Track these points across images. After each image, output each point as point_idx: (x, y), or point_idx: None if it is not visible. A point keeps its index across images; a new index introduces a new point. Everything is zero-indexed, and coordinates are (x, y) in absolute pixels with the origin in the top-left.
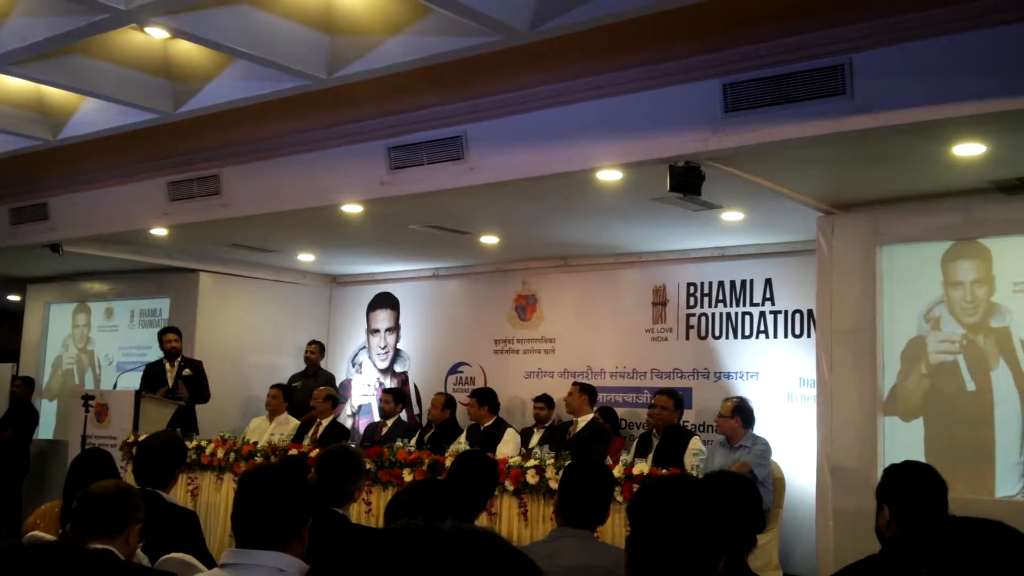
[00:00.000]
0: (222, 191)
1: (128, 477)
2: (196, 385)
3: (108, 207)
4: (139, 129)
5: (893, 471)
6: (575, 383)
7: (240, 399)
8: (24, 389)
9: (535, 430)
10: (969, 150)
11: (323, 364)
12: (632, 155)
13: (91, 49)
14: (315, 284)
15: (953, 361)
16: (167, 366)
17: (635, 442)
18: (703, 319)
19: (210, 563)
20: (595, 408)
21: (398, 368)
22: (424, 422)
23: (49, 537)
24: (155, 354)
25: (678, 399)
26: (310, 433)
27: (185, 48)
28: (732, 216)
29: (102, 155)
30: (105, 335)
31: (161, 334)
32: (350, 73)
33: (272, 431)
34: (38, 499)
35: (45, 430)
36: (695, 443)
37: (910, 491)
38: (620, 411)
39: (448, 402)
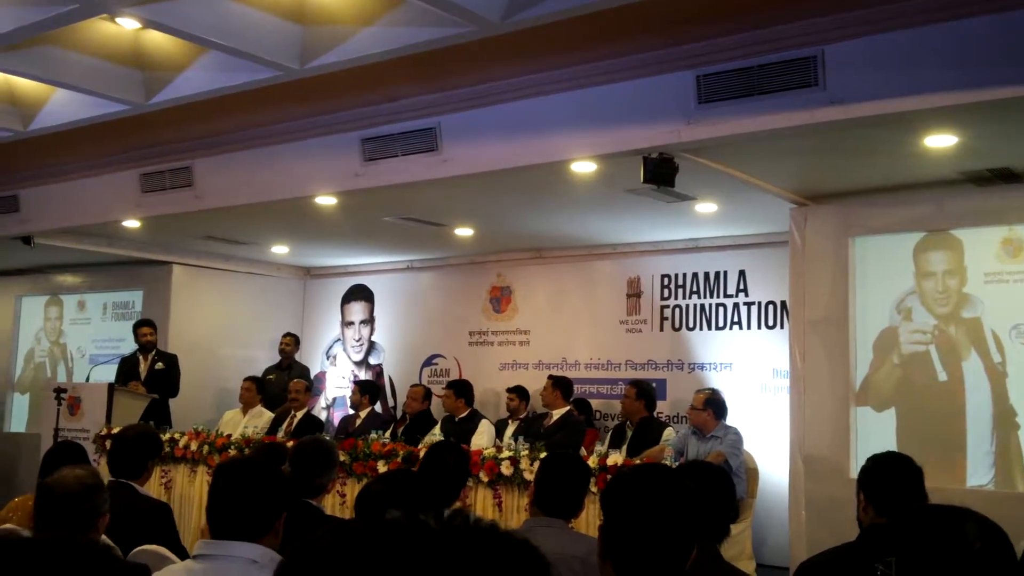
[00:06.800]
0: (195, 183)
1: (102, 470)
2: (166, 379)
3: (80, 199)
4: (111, 120)
5: (873, 460)
6: (549, 377)
7: (213, 392)
8: None
9: (510, 422)
10: (940, 141)
11: (297, 356)
12: (606, 146)
13: (62, 39)
14: (289, 276)
15: (925, 351)
16: (141, 359)
17: (609, 433)
18: (677, 310)
19: (183, 555)
20: (571, 401)
21: (373, 360)
22: (399, 414)
23: (22, 530)
24: (128, 347)
25: (643, 389)
26: (284, 426)
27: (157, 39)
28: (706, 208)
29: (73, 147)
30: (77, 328)
31: (136, 327)
32: (323, 64)
33: (246, 424)
34: (9, 493)
35: (17, 423)
36: (668, 434)
37: (885, 480)
38: (595, 402)
39: (426, 394)
